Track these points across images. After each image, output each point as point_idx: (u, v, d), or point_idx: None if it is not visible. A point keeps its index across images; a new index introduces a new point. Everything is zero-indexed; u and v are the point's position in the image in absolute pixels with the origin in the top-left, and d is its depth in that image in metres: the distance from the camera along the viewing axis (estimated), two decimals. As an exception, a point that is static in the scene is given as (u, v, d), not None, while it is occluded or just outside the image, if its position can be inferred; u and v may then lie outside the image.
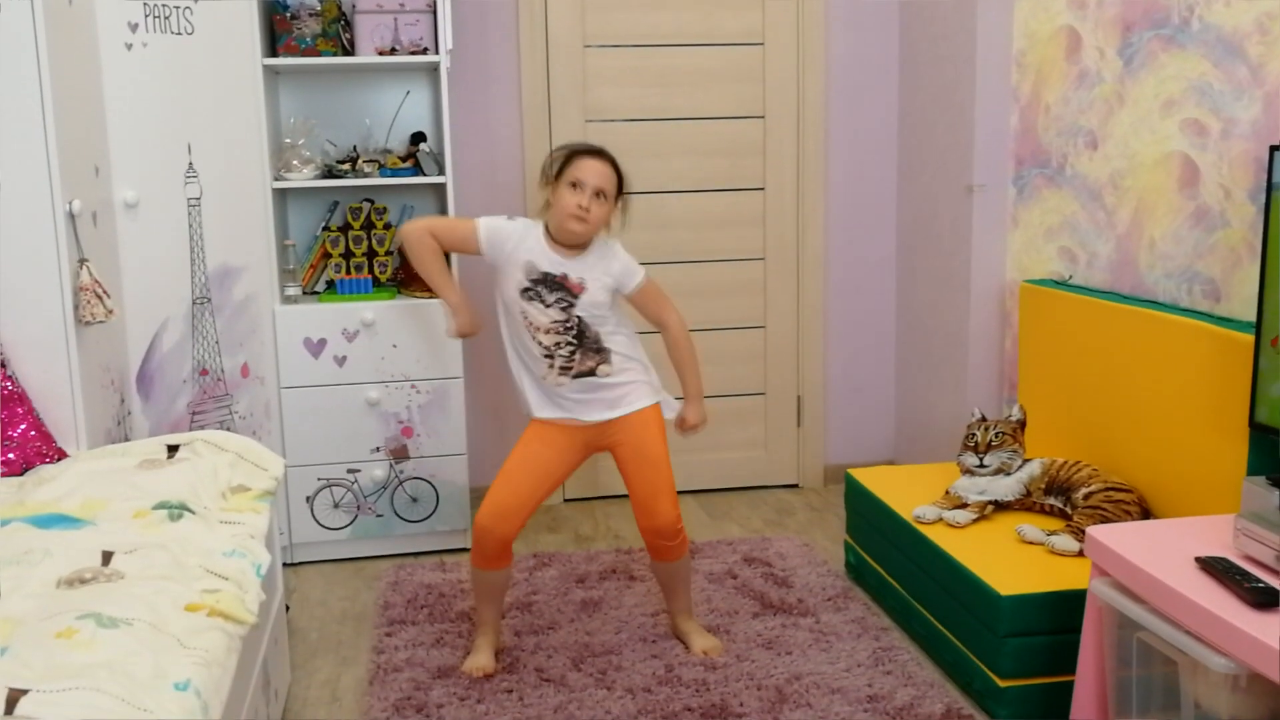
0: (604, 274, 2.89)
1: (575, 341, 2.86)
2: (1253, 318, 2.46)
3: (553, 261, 2.86)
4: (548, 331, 2.85)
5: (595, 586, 3.46)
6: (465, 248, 2.97)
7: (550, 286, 2.84)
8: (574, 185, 2.81)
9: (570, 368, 2.86)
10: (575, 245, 2.88)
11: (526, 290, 2.85)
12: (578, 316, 2.85)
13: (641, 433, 2.91)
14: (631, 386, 2.91)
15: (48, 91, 2.65)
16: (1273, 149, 2.29)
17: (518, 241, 2.88)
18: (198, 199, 3.39)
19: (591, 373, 2.87)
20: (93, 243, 2.90)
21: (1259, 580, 1.99)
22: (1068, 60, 3.37)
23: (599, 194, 2.82)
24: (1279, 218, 2.26)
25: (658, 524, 2.91)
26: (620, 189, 2.91)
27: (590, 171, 2.82)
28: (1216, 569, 2.05)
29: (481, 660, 2.94)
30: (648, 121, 4.19)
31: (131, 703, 1.61)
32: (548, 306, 2.84)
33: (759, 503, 4.34)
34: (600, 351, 2.88)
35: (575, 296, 2.85)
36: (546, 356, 2.87)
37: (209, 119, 3.39)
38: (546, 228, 2.90)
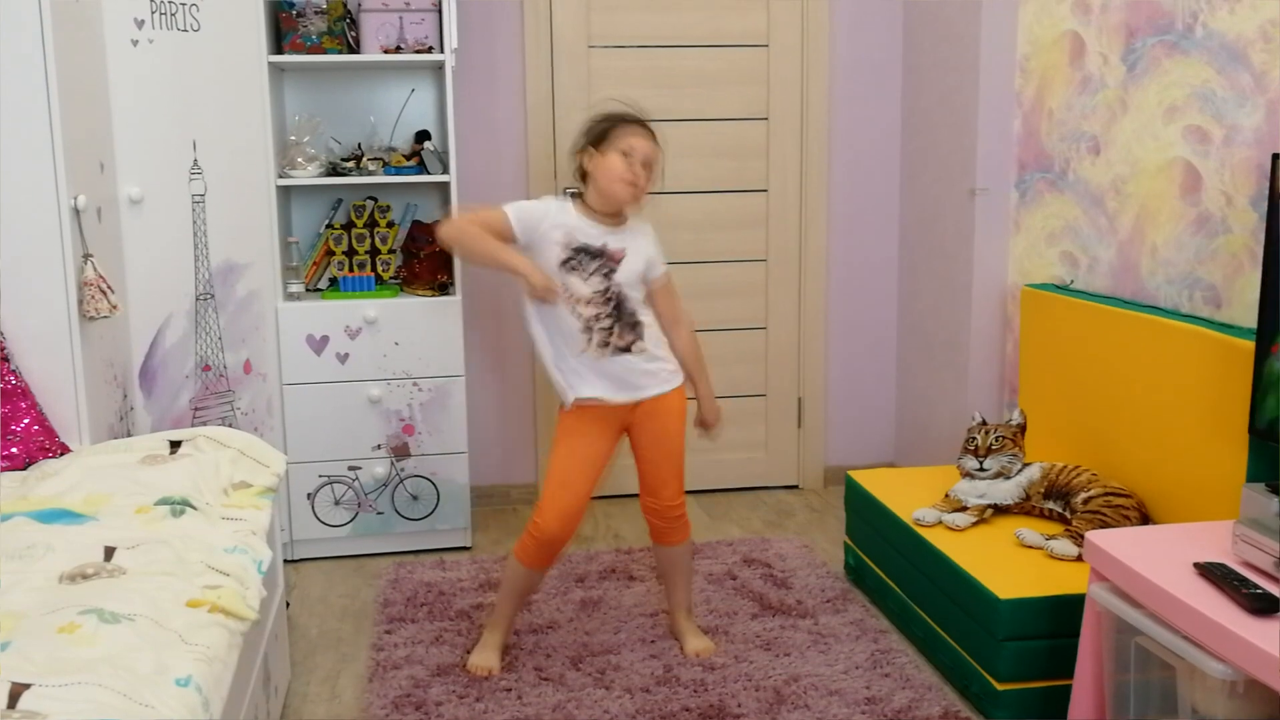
0: (642, 248, 2.85)
1: (614, 314, 2.80)
2: (1254, 324, 2.46)
3: (590, 233, 2.80)
4: (589, 302, 2.78)
5: (595, 586, 3.47)
6: (499, 236, 2.84)
7: (592, 255, 2.79)
8: (625, 154, 2.76)
9: (608, 344, 2.80)
10: (613, 217, 2.83)
11: (567, 261, 2.78)
12: (618, 286, 2.80)
13: (666, 421, 2.90)
14: (661, 365, 2.88)
15: (53, 87, 2.66)
16: (1275, 156, 2.29)
17: (552, 218, 2.80)
18: (202, 195, 3.40)
19: (628, 349, 2.82)
20: (97, 238, 2.91)
21: (1257, 586, 1.99)
22: (1071, 65, 3.37)
23: (646, 166, 2.78)
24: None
25: (659, 505, 2.96)
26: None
27: (642, 141, 2.79)
28: (1215, 575, 2.06)
29: (488, 659, 2.93)
30: (651, 122, 4.18)
31: (133, 698, 1.62)
32: (589, 276, 2.78)
33: (759, 504, 4.34)
34: (635, 326, 2.83)
35: (616, 264, 2.80)
36: (585, 331, 2.79)
37: (214, 116, 3.40)
38: (580, 200, 2.85)
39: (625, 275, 2.81)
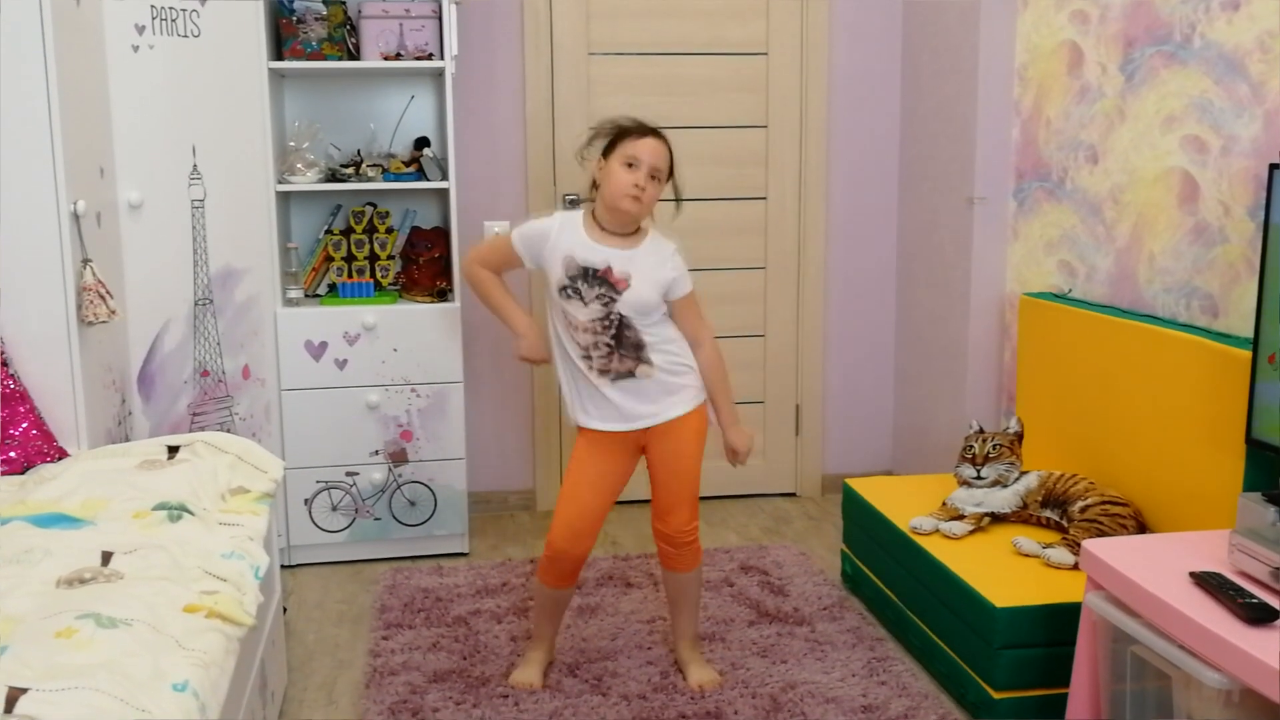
0: (655, 272, 2.71)
1: (612, 343, 2.70)
2: (1250, 334, 2.47)
3: (595, 252, 2.68)
4: (585, 330, 2.70)
5: (592, 593, 3.47)
6: (510, 263, 2.83)
7: (590, 281, 2.67)
8: (629, 165, 2.66)
9: (608, 370, 2.72)
10: (624, 232, 2.72)
11: (565, 288, 2.69)
12: (618, 315, 2.68)
13: (680, 443, 2.78)
14: (675, 389, 2.77)
15: (54, 92, 2.67)
16: (1272, 167, 2.30)
17: (555, 236, 2.71)
18: (201, 201, 3.40)
19: (630, 374, 2.72)
20: (96, 243, 2.91)
21: (1253, 596, 1.99)
22: (1069, 75, 3.38)
23: (654, 175, 2.67)
24: (1278, 235, 2.27)
25: (670, 530, 2.83)
26: (671, 171, 2.75)
27: (647, 150, 2.67)
28: (1211, 584, 2.06)
29: (531, 676, 2.90)
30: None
31: (130, 703, 1.62)
32: (587, 304, 2.68)
33: (756, 511, 4.34)
34: (639, 350, 2.71)
35: (618, 292, 2.67)
36: (584, 357, 2.73)
37: (214, 121, 3.41)
38: (592, 214, 2.74)
39: (630, 304, 2.69)
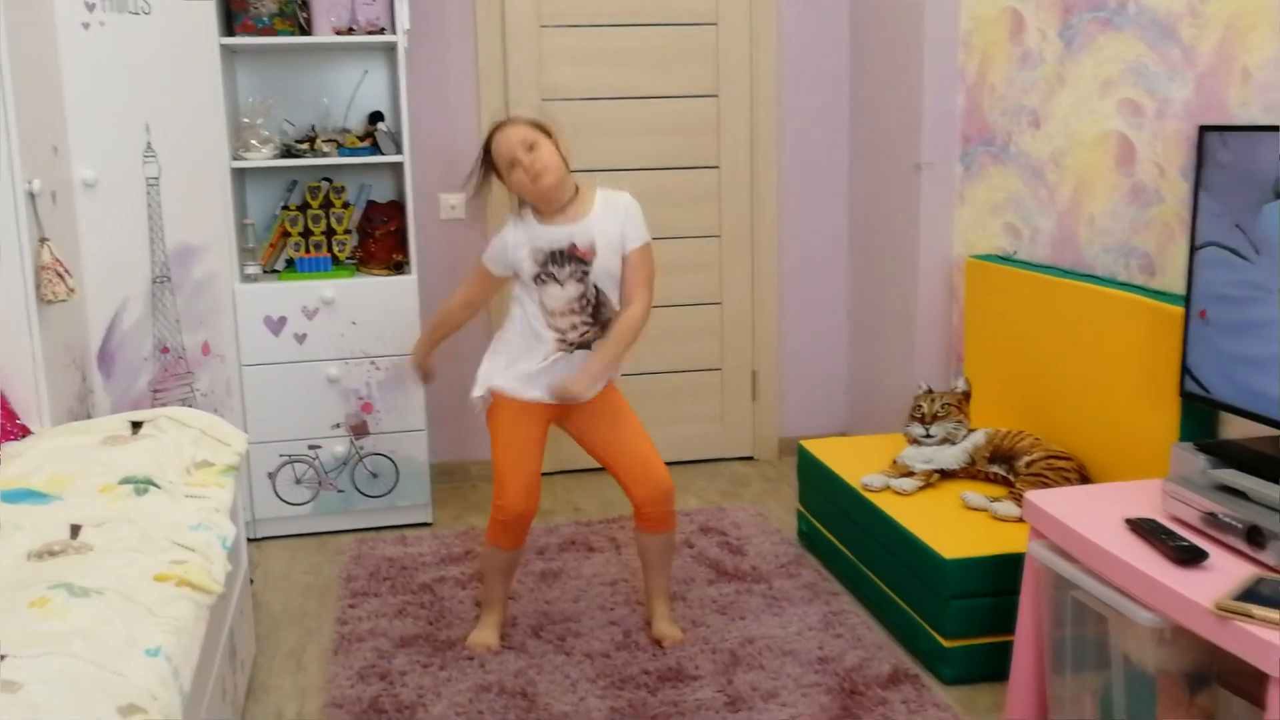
0: (611, 227, 2.79)
1: (590, 319, 2.81)
2: (1184, 291, 2.56)
3: (554, 235, 2.78)
4: (564, 314, 2.79)
5: (555, 558, 3.54)
6: (489, 285, 2.97)
7: (561, 262, 2.77)
8: (511, 165, 2.75)
9: (584, 345, 2.82)
10: (566, 206, 2.80)
11: (539, 276, 2.79)
12: (594, 287, 2.78)
13: (615, 405, 2.90)
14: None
15: (6, 71, 2.67)
16: (1202, 129, 2.39)
17: (513, 237, 2.82)
18: (156, 178, 3.41)
19: (587, 345, 2.83)
20: (53, 222, 2.92)
21: (1184, 539, 2.09)
22: (1011, 41, 3.46)
23: (530, 146, 2.74)
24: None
25: (658, 489, 2.87)
26: (544, 128, 2.80)
27: (508, 144, 2.75)
28: (1144, 529, 2.15)
29: (488, 637, 2.97)
30: (603, 100, 4.24)
31: (105, 667, 1.66)
32: (564, 285, 2.78)
33: (715, 475, 4.42)
34: (605, 326, 2.83)
35: (588, 263, 2.77)
36: (560, 341, 2.81)
37: (167, 98, 3.41)
38: (533, 209, 2.83)
39: (600, 273, 2.78)
